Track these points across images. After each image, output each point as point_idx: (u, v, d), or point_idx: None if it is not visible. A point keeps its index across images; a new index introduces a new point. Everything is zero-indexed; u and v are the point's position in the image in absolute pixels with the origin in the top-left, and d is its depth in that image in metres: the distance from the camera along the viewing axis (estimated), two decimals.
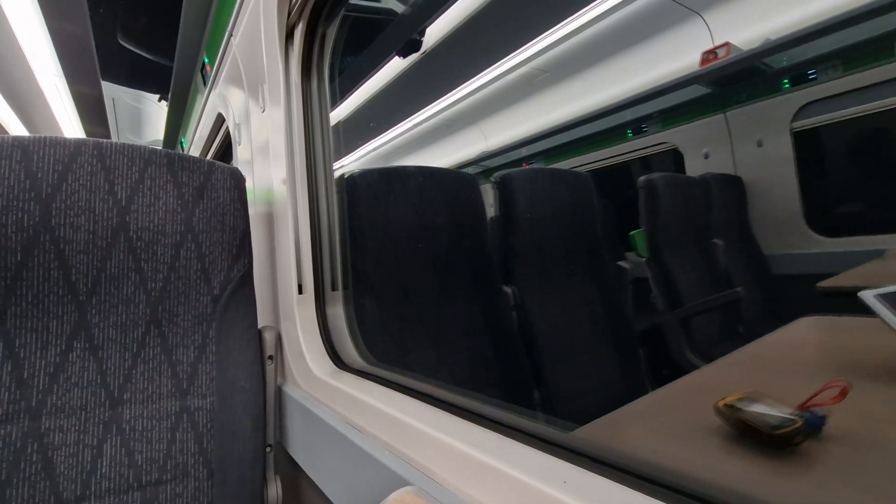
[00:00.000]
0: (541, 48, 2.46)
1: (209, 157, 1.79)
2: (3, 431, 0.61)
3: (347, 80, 2.48)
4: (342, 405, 0.67)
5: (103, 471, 0.65)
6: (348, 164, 4.28)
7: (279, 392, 0.85)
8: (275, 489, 0.79)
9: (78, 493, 0.63)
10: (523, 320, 1.30)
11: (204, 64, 1.55)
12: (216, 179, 0.77)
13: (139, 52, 1.88)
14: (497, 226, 1.37)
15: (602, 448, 0.39)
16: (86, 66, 2.07)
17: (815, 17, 1.82)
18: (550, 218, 1.42)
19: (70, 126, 2.99)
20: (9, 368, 0.63)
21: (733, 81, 2.21)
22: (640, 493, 0.33)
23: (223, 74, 1.32)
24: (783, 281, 2.14)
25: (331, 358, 0.82)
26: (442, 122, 3.48)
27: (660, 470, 0.35)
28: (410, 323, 1.12)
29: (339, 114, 2.95)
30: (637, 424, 0.59)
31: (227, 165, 0.79)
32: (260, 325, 0.84)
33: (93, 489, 0.64)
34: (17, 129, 3.09)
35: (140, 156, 0.71)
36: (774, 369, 0.73)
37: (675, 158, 2.62)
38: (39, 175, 0.64)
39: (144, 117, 3.12)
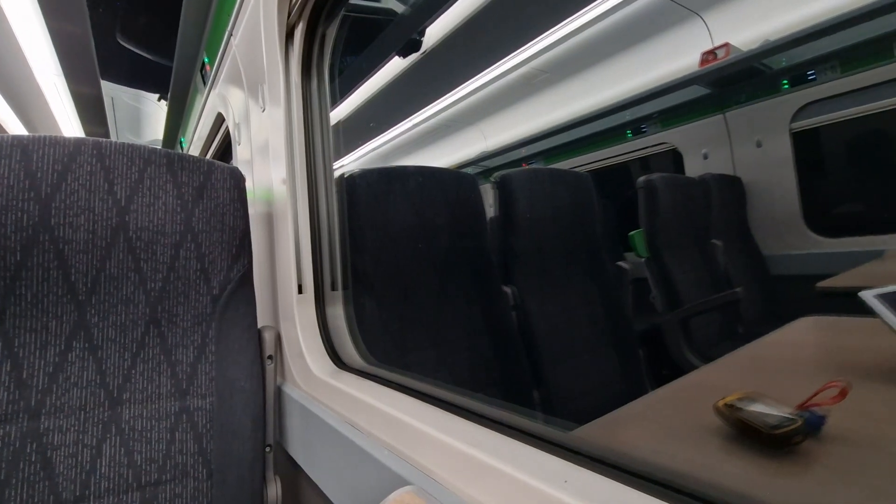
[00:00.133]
0: (540, 48, 2.46)
1: (209, 156, 1.79)
2: (2, 431, 0.61)
3: (347, 80, 2.47)
4: (342, 405, 0.67)
5: (102, 471, 0.65)
6: (348, 164, 4.28)
7: (279, 392, 0.85)
8: (274, 489, 0.78)
9: (77, 494, 0.63)
10: (523, 320, 1.30)
11: (204, 63, 1.55)
12: (216, 179, 0.77)
13: (138, 51, 1.88)
14: (497, 226, 1.37)
15: (603, 448, 0.39)
16: (85, 65, 2.07)
17: (814, 18, 1.82)
18: (550, 218, 1.42)
19: (69, 125, 2.98)
20: (8, 368, 0.63)
21: (733, 82, 2.22)
22: (641, 493, 0.33)
23: (223, 74, 1.32)
24: (782, 281, 2.15)
25: (330, 358, 0.82)
26: (442, 122, 3.48)
27: (660, 469, 0.35)
28: (410, 323, 1.12)
29: (338, 113, 2.95)
30: (637, 424, 0.59)
31: (226, 165, 0.79)
32: (259, 325, 0.84)
33: (92, 489, 0.64)
34: (16, 128, 3.08)
35: (140, 155, 0.71)
36: (774, 369, 0.73)
37: (674, 159, 2.62)
38: (39, 174, 0.64)
39: (144, 117, 3.12)
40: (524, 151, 3.47)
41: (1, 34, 1.96)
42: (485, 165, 3.87)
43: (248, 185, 0.89)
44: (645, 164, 2.85)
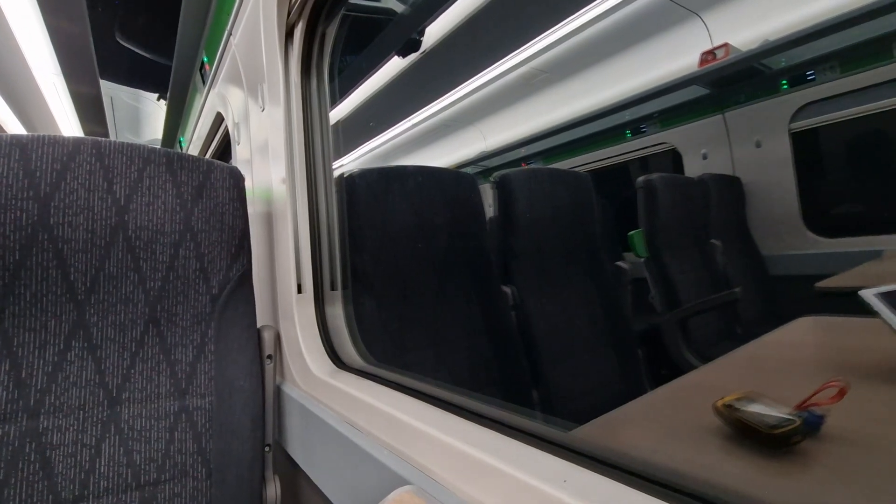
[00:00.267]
0: (540, 48, 2.46)
1: (208, 156, 1.79)
2: (1, 431, 0.61)
3: (347, 80, 2.47)
4: (341, 405, 0.67)
5: (102, 470, 0.65)
6: (348, 164, 4.28)
7: (278, 391, 0.85)
8: (273, 489, 0.78)
9: (76, 493, 0.63)
10: (522, 320, 1.30)
11: (203, 63, 1.54)
12: (215, 179, 0.77)
13: (138, 50, 1.88)
14: (496, 226, 1.38)
15: (602, 447, 0.39)
16: (84, 64, 2.07)
17: (813, 19, 1.82)
18: (549, 218, 1.42)
19: (68, 125, 2.98)
20: (7, 368, 0.62)
21: (732, 82, 2.22)
22: (641, 493, 0.33)
23: (222, 73, 1.32)
24: (781, 281, 2.15)
25: (330, 357, 0.82)
26: (441, 121, 3.48)
27: (659, 469, 0.35)
28: (409, 322, 1.12)
29: (338, 113, 2.95)
30: (636, 424, 0.59)
31: (226, 165, 0.79)
32: (259, 325, 0.84)
33: (91, 489, 0.64)
34: (15, 127, 3.08)
35: (139, 155, 0.71)
36: (773, 369, 0.73)
37: (673, 159, 2.62)
38: (38, 174, 0.64)
39: (143, 116, 3.12)
40: (523, 151, 3.47)
41: (0, 33, 1.96)
42: (484, 165, 3.87)
43: (248, 184, 0.89)
44: (644, 164, 2.85)
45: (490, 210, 1.38)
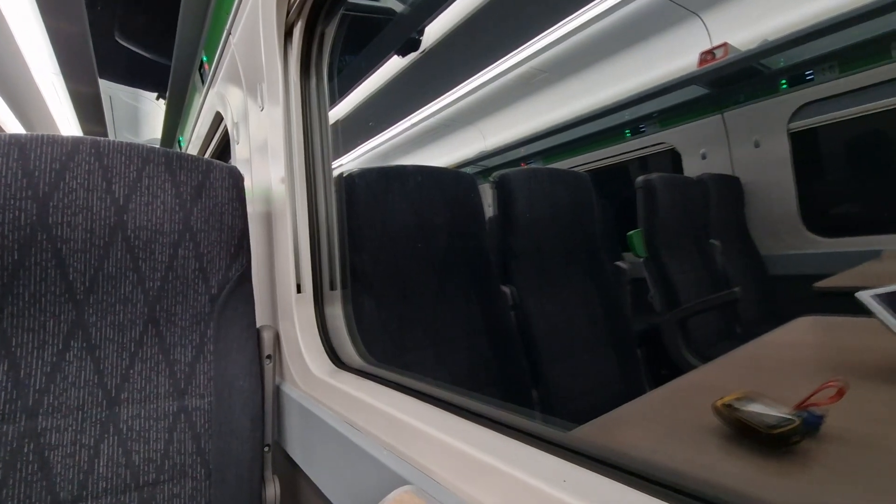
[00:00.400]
0: (539, 48, 2.46)
1: (207, 155, 1.79)
2: None
3: (346, 79, 2.47)
4: (341, 404, 0.67)
5: (100, 471, 0.65)
6: (347, 164, 4.28)
7: (277, 391, 0.85)
8: (273, 489, 0.78)
9: (75, 494, 0.63)
10: (522, 320, 1.30)
11: (202, 62, 1.54)
12: (214, 178, 0.77)
13: (137, 50, 1.88)
14: (495, 225, 1.38)
15: (602, 447, 0.39)
16: (83, 64, 2.06)
17: (812, 19, 1.82)
18: (549, 218, 1.42)
19: (67, 124, 2.97)
20: (5, 368, 0.62)
21: (731, 82, 2.22)
22: (640, 492, 0.33)
23: (221, 73, 1.32)
24: (780, 281, 2.15)
25: (329, 357, 0.82)
26: (440, 121, 3.47)
27: (659, 469, 0.35)
28: (409, 322, 1.12)
29: (337, 112, 2.94)
30: (636, 424, 0.59)
31: (225, 164, 0.79)
32: (258, 325, 0.84)
33: (90, 489, 0.64)
34: (14, 127, 3.07)
35: (138, 154, 0.71)
36: (772, 369, 0.73)
37: (672, 159, 2.63)
38: (37, 174, 0.64)
39: (142, 116, 3.12)
40: (523, 151, 3.47)
41: None
42: (483, 165, 3.87)
43: (247, 184, 0.89)
44: (643, 163, 2.85)
45: (490, 210, 1.38)
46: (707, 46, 2.17)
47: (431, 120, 3.41)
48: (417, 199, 1.17)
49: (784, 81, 2.07)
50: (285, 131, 0.88)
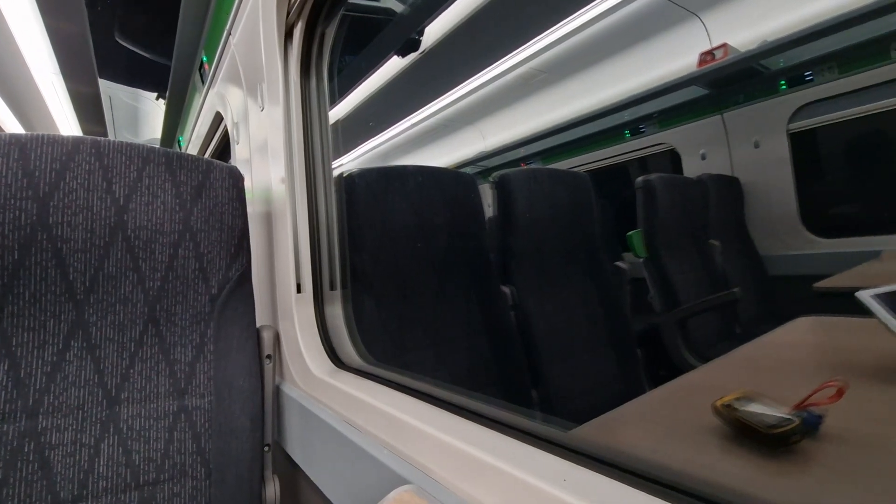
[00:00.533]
0: (539, 48, 2.46)
1: (207, 155, 1.79)
2: None
3: (346, 79, 2.47)
4: (340, 404, 0.67)
5: (101, 470, 0.65)
6: (347, 164, 4.28)
7: (277, 391, 0.85)
8: (273, 489, 0.78)
9: (75, 493, 0.63)
10: (521, 320, 1.30)
11: (202, 62, 1.54)
12: (214, 178, 0.77)
13: (137, 50, 1.88)
14: (495, 226, 1.38)
15: (602, 447, 0.39)
16: (83, 63, 2.06)
17: (812, 19, 1.82)
18: (548, 218, 1.42)
19: (67, 124, 2.97)
20: (5, 367, 0.62)
21: (731, 83, 2.22)
22: (640, 492, 0.33)
23: (221, 73, 1.32)
24: (779, 281, 2.15)
25: (329, 357, 0.82)
26: (440, 121, 3.48)
27: (659, 468, 0.35)
28: (409, 322, 1.12)
29: (337, 112, 2.95)
30: (635, 423, 0.59)
31: (225, 164, 0.79)
32: (258, 325, 0.84)
33: (90, 489, 0.64)
34: (13, 127, 3.07)
35: (138, 154, 0.71)
36: (771, 369, 0.74)
37: (672, 159, 2.63)
38: (37, 173, 0.64)
39: (141, 116, 3.11)
40: (523, 151, 3.47)
41: None
42: (483, 165, 3.87)
43: (247, 184, 0.89)
44: (643, 164, 2.86)
45: (489, 210, 1.38)
46: (707, 47, 2.17)
47: (431, 120, 3.41)
48: (417, 199, 1.17)
49: (783, 82, 2.08)
50: (285, 131, 0.88)
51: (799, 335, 0.90)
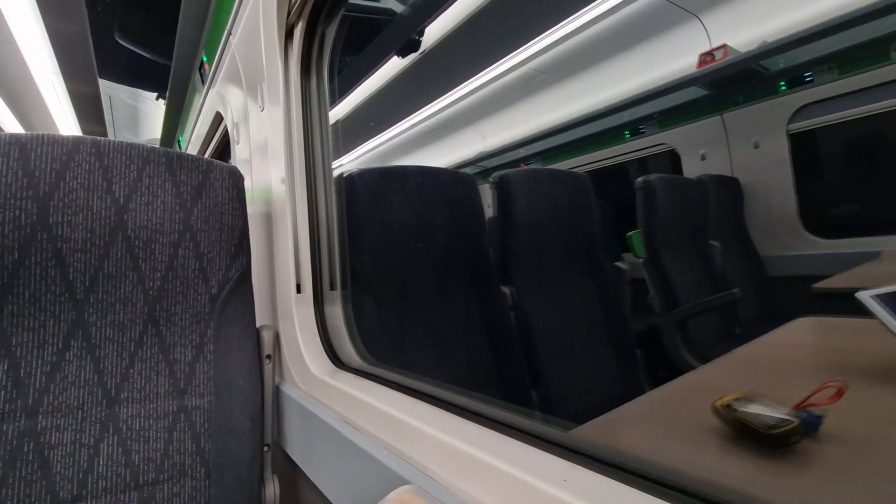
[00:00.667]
0: (539, 49, 2.46)
1: (207, 155, 1.79)
2: None
3: (346, 80, 2.47)
4: (340, 404, 0.67)
5: (100, 470, 0.65)
6: (347, 164, 4.28)
7: (277, 391, 0.85)
8: (272, 489, 0.78)
9: (74, 493, 0.63)
10: (521, 320, 1.30)
11: (202, 63, 1.54)
12: (214, 178, 0.77)
13: (137, 50, 1.88)
14: (495, 226, 1.38)
15: (602, 447, 0.39)
16: (83, 63, 2.06)
17: (812, 20, 1.83)
18: (548, 218, 1.42)
19: (67, 124, 2.97)
20: (5, 367, 0.62)
21: (730, 83, 2.22)
22: (640, 492, 0.33)
23: (222, 73, 1.32)
24: (779, 282, 2.15)
25: (329, 357, 0.82)
26: (440, 121, 3.48)
27: (658, 469, 0.35)
28: (409, 322, 1.12)
29: (337, 113, 2.95)
30: (636, 424, 0.59)
31: (225, 164, 0.79)
32: (258, 325, 0.84)
33: (89, 489, 0.64)
34: (13, 127, 3.07)
35: (138, 154, 0.71)
36: (771, 370, 0.74)
37: (672, 159, 2.63)
38: (37, 173, 0.64)
39: (141, 116, 3.11)
40: (522, 152, 3.47)
41: None
42: (483, 165, 3.87)
43: (247, 184, 0.89)
44: (643, 164, 2.86)
45: (489, 210, 1.38)
46: (706, 48, 2.18)
47: (431, 120, 3.42)
48: (417, 199, 1.17)
49: (783, 83, 2.08)
50: (285, 131, 0.88)
51: (798, 336, 0.90)
